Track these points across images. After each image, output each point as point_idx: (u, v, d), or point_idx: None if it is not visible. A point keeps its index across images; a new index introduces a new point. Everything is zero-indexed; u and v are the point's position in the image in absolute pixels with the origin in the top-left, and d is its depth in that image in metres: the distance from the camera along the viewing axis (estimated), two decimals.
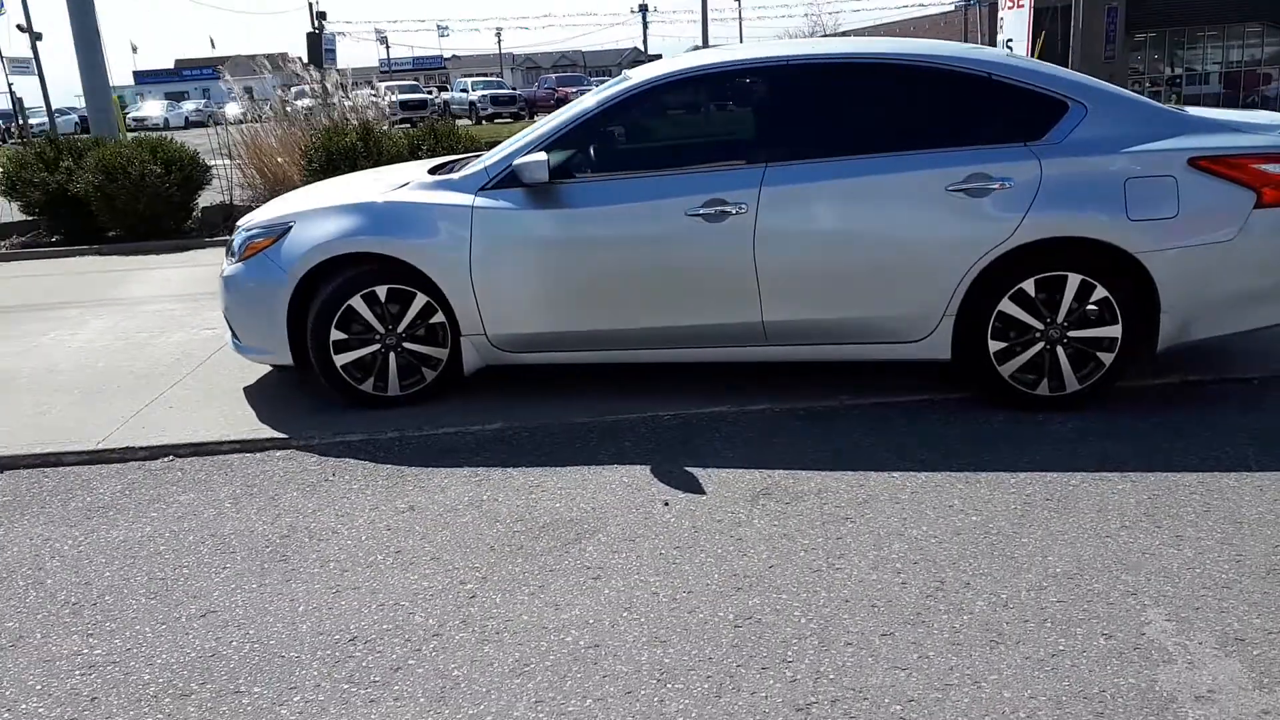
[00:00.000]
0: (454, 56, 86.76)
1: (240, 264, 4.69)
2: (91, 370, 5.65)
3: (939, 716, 2.33)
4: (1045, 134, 4.12)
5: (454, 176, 4.57)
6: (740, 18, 74.11)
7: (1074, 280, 4.07)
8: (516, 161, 4.29)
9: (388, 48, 75.61)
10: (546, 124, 4.56)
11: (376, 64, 76.19)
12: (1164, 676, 2.44)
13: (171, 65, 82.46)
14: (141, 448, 4.36)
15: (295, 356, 4.61)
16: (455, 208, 4.42)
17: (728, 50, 4.93)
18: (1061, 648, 2.57)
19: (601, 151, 4.52)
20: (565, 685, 2.52)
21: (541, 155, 4.28)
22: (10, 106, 34.47)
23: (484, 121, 37.34)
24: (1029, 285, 4.10)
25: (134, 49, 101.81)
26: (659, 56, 47.95)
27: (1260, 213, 4.02)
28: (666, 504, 3.56)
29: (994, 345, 4.18)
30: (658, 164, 4.46)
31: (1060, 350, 4.16)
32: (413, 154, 9.97)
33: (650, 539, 3.30)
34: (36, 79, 33.03)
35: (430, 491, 3.79)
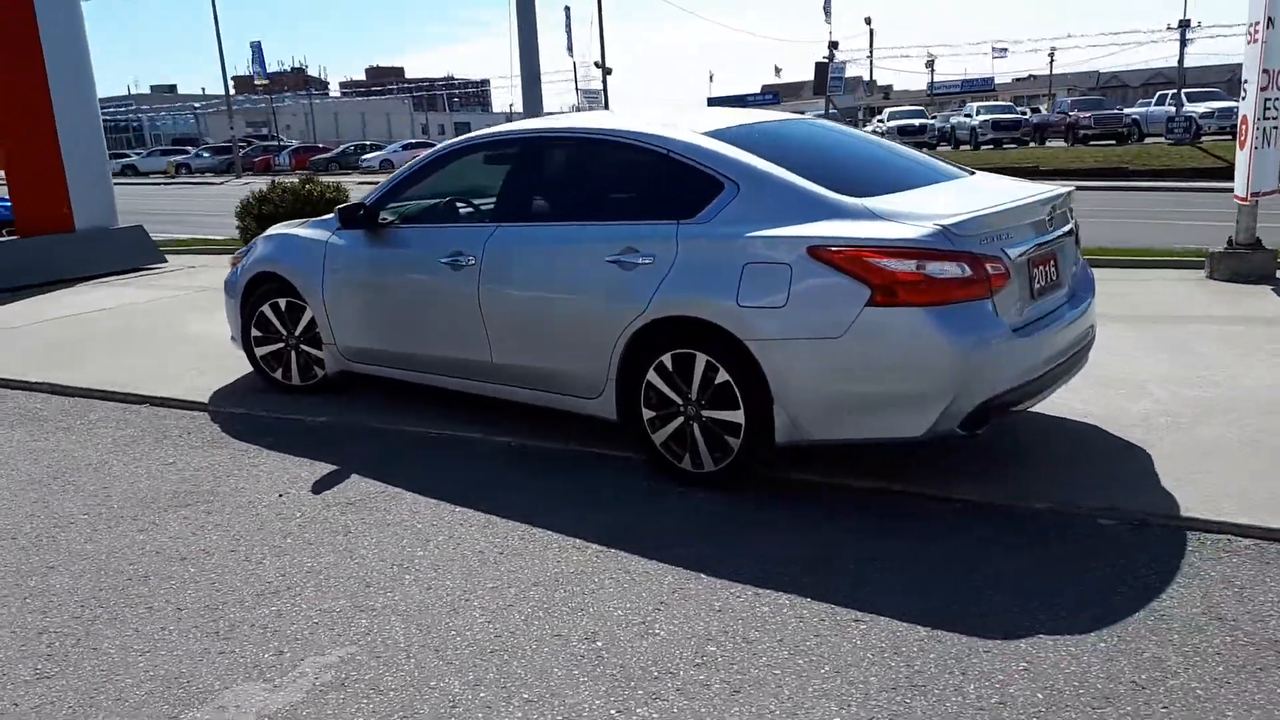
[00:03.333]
0: (1016, 79, 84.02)
1: (228, 271, 6.31)
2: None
3: None
4: (697, 213, 4.13)
5: (327, 216, 5.73)
6: None
7: (701, 360, 4.06)
8: (338, 208, 5.32)
9: (933, 71, 75.85)
10: (393, 176, 5.51)
11: (925, 88, 77.14)
12: None
13: (754, 91, 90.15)
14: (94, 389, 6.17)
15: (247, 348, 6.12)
16: (317, 242, 5.58)
17: (521, 122, 5.41)
18: None
19: (411, 203, 5.36)
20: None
21: (360, 204, 5.27)
22: None
23: (981, 147, 36.06)
24: (668, 360, 4.16)
25: (711, 77, 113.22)
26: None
27: (872, 311, 3.68)
28: (280, 496, 4.43)
29: (647, 413, 4.31)
30: (439, 217, 5.20)
31: (697, 428, 4.17)
32: None
33: (237, 513, 4.22)
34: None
35: (196, 449, 5.04)
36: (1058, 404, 4.96)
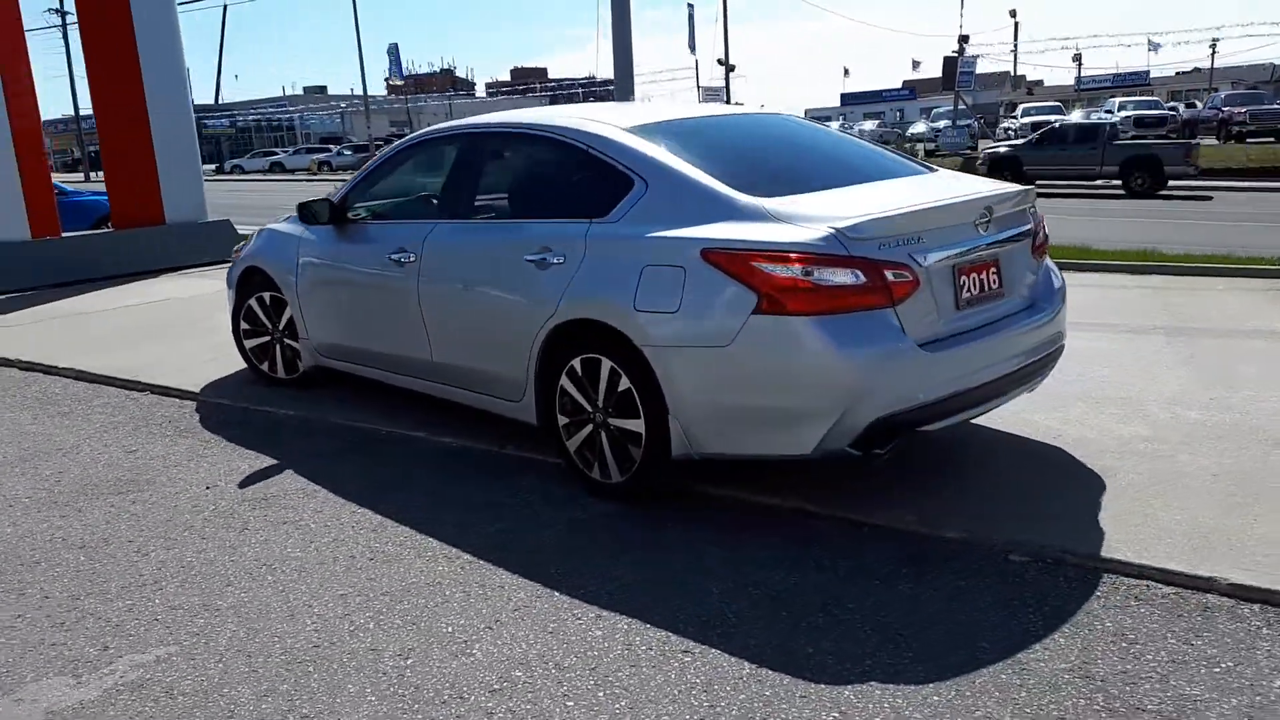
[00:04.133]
0: (1179, 73, 79.17)
1: (230, 264, 6.46)
2: None
3: None
4: (609, 212, 3.94)
5: None
6: None
7: (606, 366, 3.88)
8: (298, 205, 5.35)
9: (1080, 65, 72.38)
10: (359, 171, 5.49)
11: (1072, 82, 73.75)
12: None
13: (875, 88, 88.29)
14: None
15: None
16: (293, 236, 5.62)
17: (473, 117, 5.25)
18: None
19: (372, 199, 5.33)
20: None
21: (326, 200, 5.28)
22: None
23: None
24: (578, 364, 3.99)
25: (845, 72, 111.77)
26: None
27: (758, 319, 3.42)
28: (209, 488, 4.47)
29: (561, 419, 4.15)
30: (395, 214, 5.16)
31: (605, 436, 3.98)
32: None
33: (158, 504, 4.29)
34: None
35: (164, 438, 5.15)
36: (1028, 421, 4.56)
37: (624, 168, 3.94)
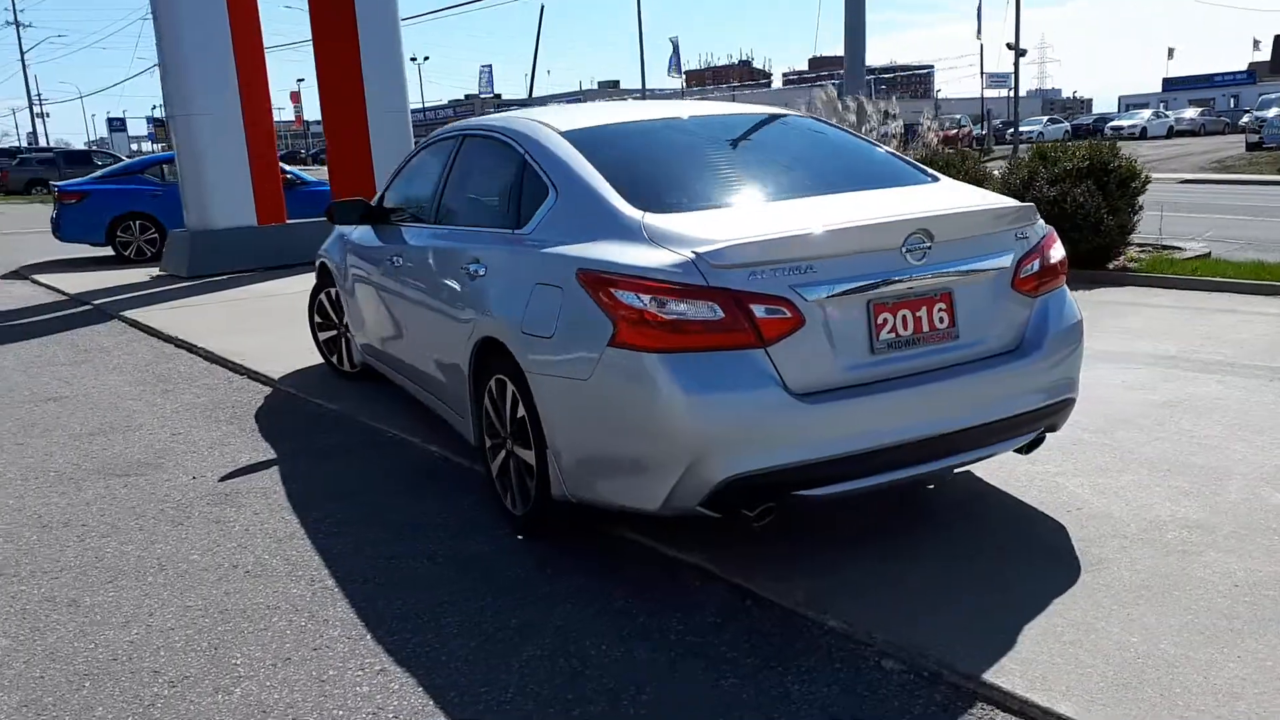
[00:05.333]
0: None
1: None
2: None
3: None
4: (527, 222, 3.64)
5: None
6: None
7: (509, 390, 3.59)
8: (332, 203, 5.40)
9: None
10: (393, 172, 5.46)
11: None
12: None
13: (1204, 72, 79.29)
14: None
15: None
16: (341, 236, 5.74)
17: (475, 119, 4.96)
18: None
19: (396, 201, 5.27)
20: None
21: (359, 201, 5.31)
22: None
23: None
24: (493, 385, 3.74)
25: (1169, 53, 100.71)
26: None
27: (612, 353, 2.99)
28: (193, 479, 4.63)
29: (487, 440, 3.91)
30: (406, 216, 5.08)
31: (512, 464, 3.70)
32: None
33: (142, 491, 4.51)
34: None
35: (213, 423, 5.43)
36: (1053, 484, 3.82)
37: (545, 175, 3.63)
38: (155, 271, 12.60)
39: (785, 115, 4.38)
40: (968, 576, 3.16)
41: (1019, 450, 3.46)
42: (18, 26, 73.49)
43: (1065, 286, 3.51)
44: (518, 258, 3.56)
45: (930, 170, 3.84)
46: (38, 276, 12.81)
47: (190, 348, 7.64)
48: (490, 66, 61.93)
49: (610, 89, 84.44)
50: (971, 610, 2.93)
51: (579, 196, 3.41)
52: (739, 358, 2.86)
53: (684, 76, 57.80)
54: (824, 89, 11.71)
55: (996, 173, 9.57)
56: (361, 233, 5.40)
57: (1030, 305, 3.32)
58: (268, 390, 6.25)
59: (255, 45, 12.49)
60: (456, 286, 3.96)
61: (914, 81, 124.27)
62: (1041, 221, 3.45)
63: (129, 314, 9.34)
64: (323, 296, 6.16)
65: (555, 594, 3.25)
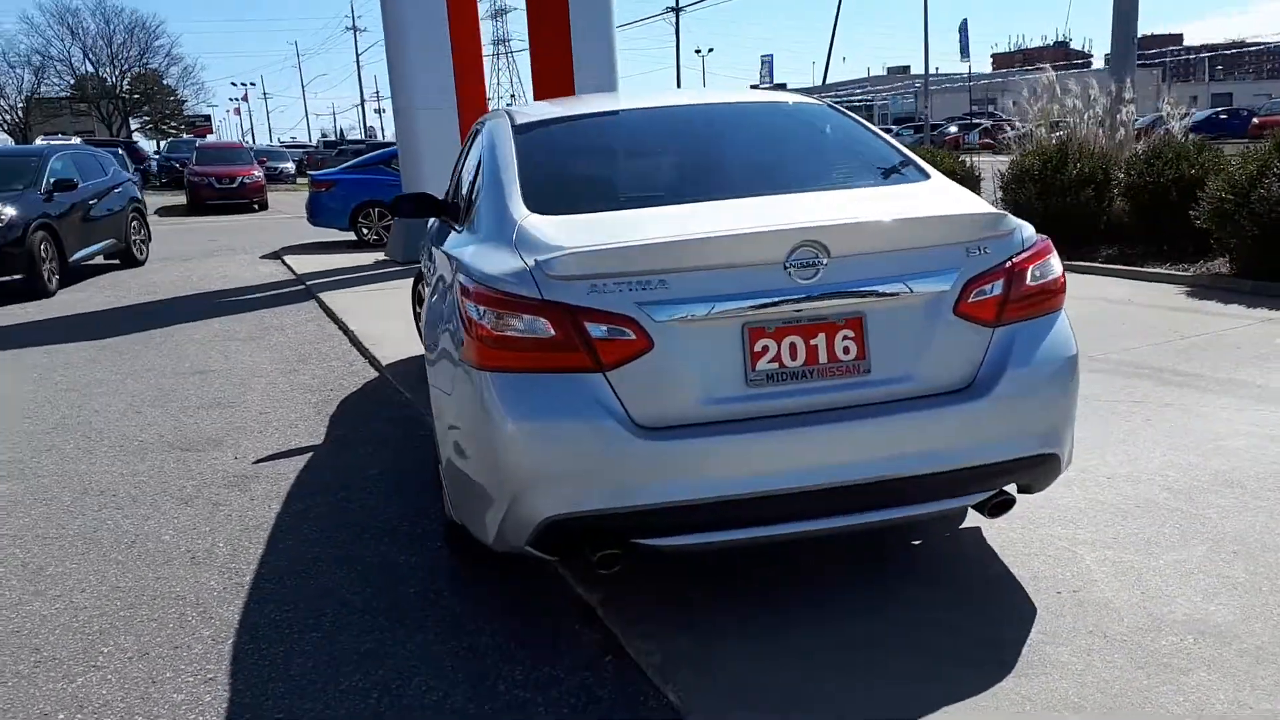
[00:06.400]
0: None
1: None
2: None
3: None
4: (469, 221, 3.43)
5: None
6: None
7: None
8: (398, 195, 5.41)
9: None
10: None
11: None
12: None
13: None
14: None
15: None
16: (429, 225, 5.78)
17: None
18: None
19: (451, 193, 5.19)
20: None
21: (423, 195, 5.32)
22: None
23: None
24: None
25: None
26: None
27: (462, 369, 2.73)
28: (235, 458, 4.85)
29: None
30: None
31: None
32: None
33: (188, 468, 4.79)
34: None
35: (311, 405, 5.69)
36: (1068, 556, 3.10)
37: (486, 171, 3.41)
38: (381, 256, 13.52)
39: (784, 105, 3.88)
40: (865, 663, 2.62)
41: (983, 512, 2.83)
42: (355, 31, 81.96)
43: (1060, 313, 2.83)
44: (444, 261, 3.38)
45: (926, 168, 3.23)
46: (287, 257, 14.11)
47: (344, 329, 8.08)
48: (771, 56, 61.56)
49: (899, 74, 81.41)
50: (840, 708, 2.42)
51: (492, 194, 3.17)
52: (572, 382, 2.52)
53: (990, 59, 54.38)
54: (1045, 73, 10.50)
55: None
56: (434, 224, 5.41)
57: (988, 336, 2.69)
58: (373, 375, 6.46)
59: (473, 47, 13.03)
60: (433, 286, 3.84)
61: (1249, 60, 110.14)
62: (1026, 232, 2.80)
63: (325, 295, 10.04)
64: (420, 286, 6.26)
65: (427, 620, 3.06)
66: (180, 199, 26.05)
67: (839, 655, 2.65)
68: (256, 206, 24.44)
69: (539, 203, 2.95)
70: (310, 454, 4.82)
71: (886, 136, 3.46)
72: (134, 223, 13.64)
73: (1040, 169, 9.37)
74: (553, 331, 2.51)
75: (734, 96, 3.99)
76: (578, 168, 3.33)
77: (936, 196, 2.97)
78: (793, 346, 2.57)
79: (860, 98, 78.70)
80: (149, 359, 7.27)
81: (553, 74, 12.99)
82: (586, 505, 2.52)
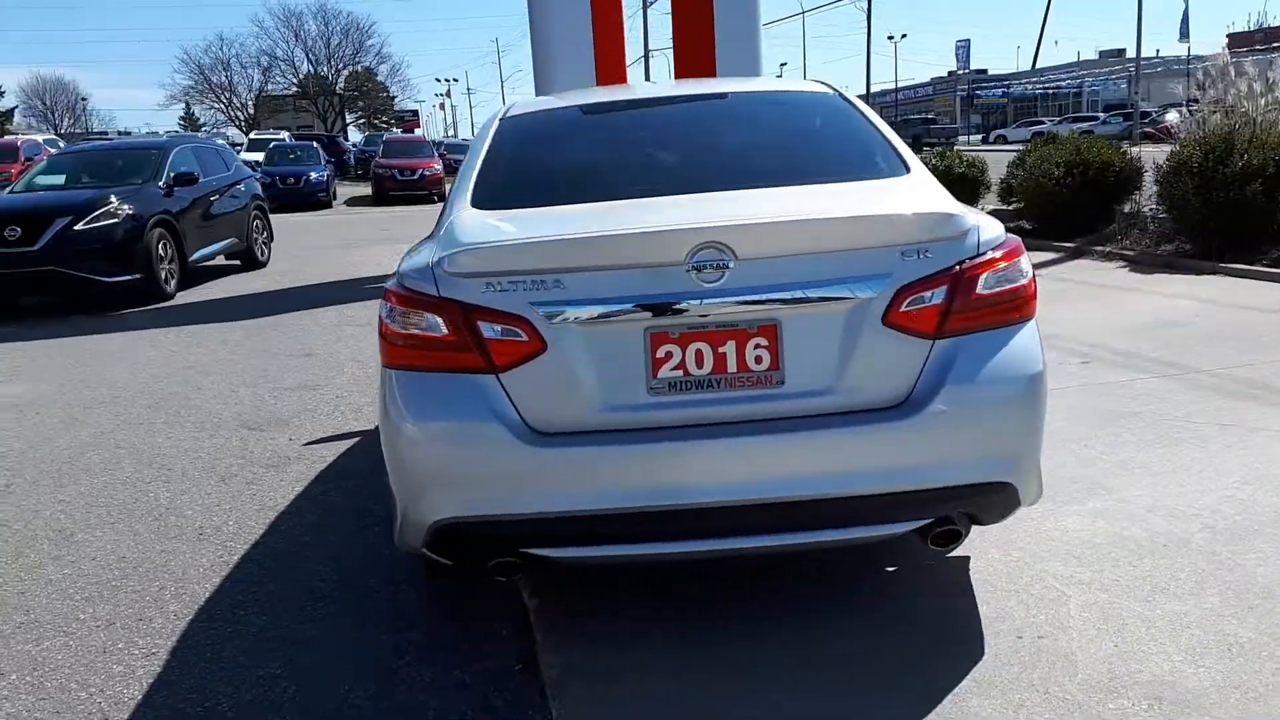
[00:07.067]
0: None
1: None
2: None
3: None
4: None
5: None
6: None
7: None
8: None
9: None
10: None
11: None
12: None
13: None
14: None
15: None
16: None
17: None
18: None
19: None
20: None
21: None
22: None
23: None
24: None
25: None
26: None
27: (383, 369, 2.71)
28: (290, 439, 5.05)
29: None
30: None
31: None
32: None
33: (247, 436, 5.05)
34: None
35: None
36: (1055, 596, 2.80)
37: (462, 166, 3.39)
38: None
39: (784, 95, 3.65)
40: (769, 686, 2.43)
41: (926, 544, 2.57)
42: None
43: (1026, 325, 2.52)
44: None
45: (911, 163, 2.95)
46: None
47: None
48: (968, 41, 58.87)
49: (1111, 58, 75.99)
50: None
51: (454, 189, 3.14)
52: (464, 383, 2.46)
53: (1225, 39, 50.11)
54: (1218, 59, 9.51)
55: None
56: None
57: (926, 349, 2.43)
58: None
59: (616, 41, 13.09)
60: None
61: None
62: (987, 234, 2.50)
63: None
64: None
65: (375, 614, 3.07)
66: (369, 190, 27.60)
67: (731, 676, 2.47)
68: (435, 198, 25.53)
69: (487, 197, 2.89)
70: (358, 439, 4.95)
71: (885, 130, 3.18)
72: (256, 221, 12.71)
73: (1201, 161, 8.48)
74: (446, 330, 2.45)
75: (745, 86, 3.80)
76: (540, 162, 3.25)
77: (887, 195, 2.71)
78: (699, 354, 2.40)
79: (1068, 82, 74.12)
80: (271, 341, 7.70)
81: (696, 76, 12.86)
82: (475, 511, 2.45)
